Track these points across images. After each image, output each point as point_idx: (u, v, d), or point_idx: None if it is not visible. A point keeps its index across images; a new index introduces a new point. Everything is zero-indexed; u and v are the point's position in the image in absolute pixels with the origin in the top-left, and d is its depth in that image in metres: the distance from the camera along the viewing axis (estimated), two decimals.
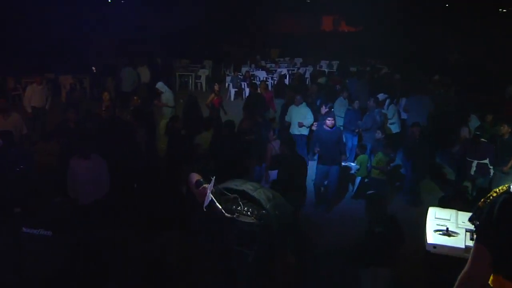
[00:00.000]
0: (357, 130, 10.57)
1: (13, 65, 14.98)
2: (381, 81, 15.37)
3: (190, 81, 19.58)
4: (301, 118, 10.23)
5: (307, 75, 19.43)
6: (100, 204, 6.76)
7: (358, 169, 9.13)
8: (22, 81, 14.05)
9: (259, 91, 12.60)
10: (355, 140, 10.66)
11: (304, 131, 10.32)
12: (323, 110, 10.39)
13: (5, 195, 2.39)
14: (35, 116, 11.58)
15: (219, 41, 24.90)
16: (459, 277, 2.27)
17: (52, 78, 15.10)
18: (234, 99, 17.42)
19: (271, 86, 16.70)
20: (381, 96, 11.45)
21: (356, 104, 10.94)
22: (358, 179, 9.18)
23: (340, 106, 11.49)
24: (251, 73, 18.85)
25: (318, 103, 11.58)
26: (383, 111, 10.99)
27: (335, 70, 19.24)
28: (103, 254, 4.22)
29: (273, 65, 21.65)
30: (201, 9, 24.81)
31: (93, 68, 16.34)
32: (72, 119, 8.84)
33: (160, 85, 11.56)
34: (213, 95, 11.70)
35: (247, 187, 4.67)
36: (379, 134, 9.62)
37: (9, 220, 2.90)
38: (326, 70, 20.16)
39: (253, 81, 16.57)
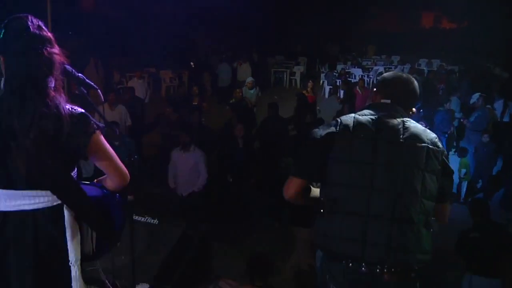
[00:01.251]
0: (449, 132, 10.04)
1: (119, 59, 15.74)
2: (486, 80, 14.56)
3: (285, 78, 19.61)
4: None
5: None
6: (197, 196, 6.94)
7: (465, 173, 8.68)
8: (126, 75, 14.74)
9: (357, 89, 12.41)
10: (444, 143, 10.08)
11: None
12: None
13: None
14: (135, 109, 12.10)
15: (314, 38, 24.69)
16: None
17: (153, 72, 15.71)
18: (328, 96, 17.24)
19: (367, 84, 16.36)
20: (474, 97, 10.68)
21: (452, 103, 10.44)
22: (464, 184, 8.75)
23: (457, 107, 10.99)
24: (346, 70, 18.61)
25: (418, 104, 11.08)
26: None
27: (435, 69, 18.47)
28: (205, 245, 4.30)
29: (369, 62, 21.20)
30: (297, 6, 24.77)
31: (192, 63, 16.80)
32: (172, 112, 9.16)
33: (250, 79, 11.77)
34: (305, 91, 11.69)
35: None
36: (486, 138, 8.80)
37: (124, 207, 3.03)
38: (425, 68, 19.42)
39: (348, 79, 16.36)
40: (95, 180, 2.52)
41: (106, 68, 14.38)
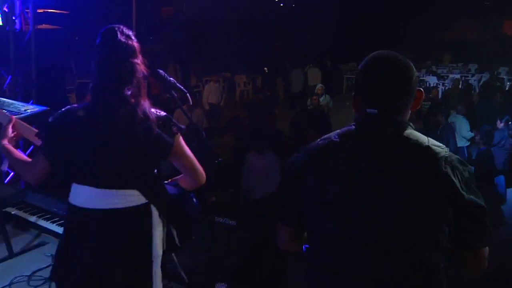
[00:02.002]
0: None
1: (196, 64, 16.13)
2: None
3: None
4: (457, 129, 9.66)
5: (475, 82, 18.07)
6: (270, 198, 6.97)
7: None
8: (203, 79, 15.07)
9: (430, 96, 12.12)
10: None
11: (463, 143, 9.70)
12: (499, 124, 9.45)
13: (204, 185, 2.57)
14: (211, 112, 12.37)
15: (388, 45, 24.18)
16: None
17: (228, 77, 15.96)
18: None
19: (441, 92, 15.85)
20: None
21: None
22: None
23: None
24: (421, 78, 18.12)
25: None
26: None
27: None
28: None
29: (445, 70, 20.52)
30: (370, 13, 24.40)
31: (265, 68, 16.92)
32: (247, 115, 9.27)
33: (319, 86, 11.74)
34: None
35: None
36: None
37: (205, 208, 3.08)
38: (505, 77, 18.53)
39: (422, 86, 15.92)
40: (169, 180, 2.58)
41: (184, 72, 14.77)
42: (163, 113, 2.28)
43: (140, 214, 2.25)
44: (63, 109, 2.29)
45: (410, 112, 1.86)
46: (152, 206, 2.28)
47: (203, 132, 2.79)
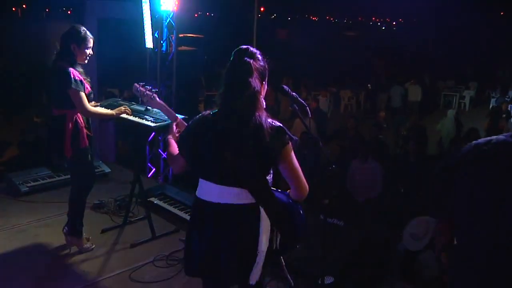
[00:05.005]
0: None
1: (306, 79, 16.15)
2: None
3: (454, 101, 18.24)
4: None
5: None
6: (372, 202, 6.75)
7: None
8: (312, 93, 15.02)
9: None
10: None
11: None
12: None
13: (317, 190, 2.55)
14: (319, 123, 12.26)
15: (486, 63, 22.51)
16: None
17: (334, 91, 15.78)
18: None
19: None
20: None
21: None
22: None
23: None
24: None
25: None
26: None
27: None
28: (387, 251, 4.15)
29: None
30: (468, 31, 22.97)
31: (369, 85, 16.53)
32: (352, 127, 9.07)
33: None
34: None
35: None
36: None
37: (318, 209, 3.04)
38: None
39: None
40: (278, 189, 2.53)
41: (296, 86, 14.84)
42: (277, 124, 2.25)
43: (250, 212, 2.25)
44: (199, 114, 2.39)
45: None
46: (260, 207, 2.27)
47: (319, 142, 2.73)
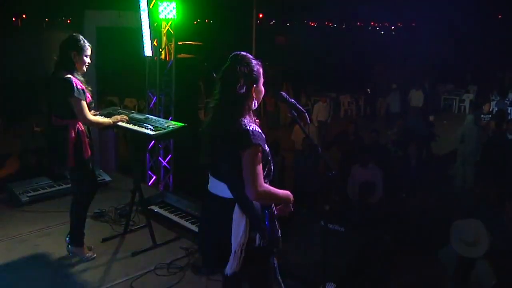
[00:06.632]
0: None
1: (306, 84, 16.18)
2: None
3: (454, 105, 18.30)
4: None
5: None
6: (372, 207, 6.73)
7: None
8: (311, 99, 15.04)
9: None
10: None
11: None
12: None
13: (318, 195, 2.55)
14: (319, 128, 12.27)
15: (485, 66, 22.54)
16: None
17: (333, 97, 15.79)
18: None
19: None
20: None
21: None
22: None
23: None
24: None
25: None
26: None
27: None
28: (389, 257, 4.12)
29: None
30: (468, 35, 23.01)
31: (368, 90, 16.54)
32: (352, 132, 9.07)
33: None
34: None
35: None
36: None
37: (318, 215, 3.04)
38: None
39: None
40: None
41: (295, 92, 14.86)
42: (247, 128, 2.31)
43: (227, 205, 2.40)
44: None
45: None
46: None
47: (319, 148, 2.74)
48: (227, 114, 2.37)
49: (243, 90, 2.36)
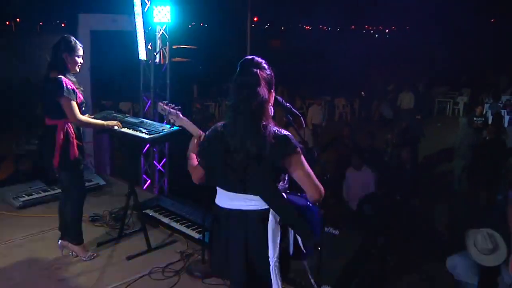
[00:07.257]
0: None
1: (300, 87, 16.21)
2: None
3: (448, 107, 18.39)
4: None
5: None
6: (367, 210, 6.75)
7: None
8: (306, 102, 15.08)
9: None
10: None
11: None
12: None
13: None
14: (314, 131, 12.29)
15: (479, 69, 22.67)
16: None
17: (328, 100, 15.83)
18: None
19: None
20: None
21: None
22: None
23: None
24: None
25: None
26: None
27: None
28: (382, 258, 4.13)
29: None
30: (462, 37, 23.16)
31: (362, 93, 16.61)
32: (347, 135, 9.10)
33: None
34: None
35: None
36: None
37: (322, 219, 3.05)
38: None
39: None
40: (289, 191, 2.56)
41: (290, 95, 14.88)
42: (283, 133, 2.27)
43: (259, 217, 2.31)
44: (213, 126, 2.45)
45: None
46: (271, 212, 2.31)
47: (315, 152, 2.76)
48: (253, 122, 2.24)
49: (265, 95, 2.28)
